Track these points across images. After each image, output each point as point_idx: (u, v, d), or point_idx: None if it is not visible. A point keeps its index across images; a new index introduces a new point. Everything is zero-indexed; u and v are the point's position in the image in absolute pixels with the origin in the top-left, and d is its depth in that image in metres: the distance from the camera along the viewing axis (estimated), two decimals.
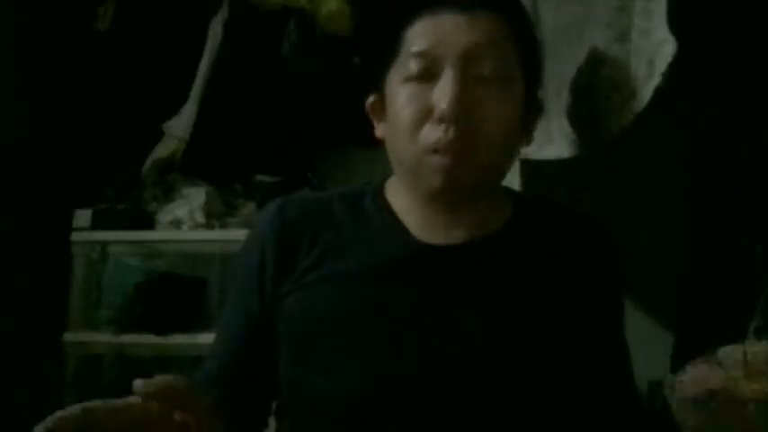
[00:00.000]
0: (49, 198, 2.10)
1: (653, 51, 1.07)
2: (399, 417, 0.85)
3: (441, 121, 0.84)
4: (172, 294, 2.06)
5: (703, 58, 1.18)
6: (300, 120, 2.26)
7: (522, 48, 0.90)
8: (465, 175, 0.86)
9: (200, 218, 2.12)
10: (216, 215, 2.15)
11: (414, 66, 0.87)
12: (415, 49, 0.88)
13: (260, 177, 2.25)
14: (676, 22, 1.03)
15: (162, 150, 2.21)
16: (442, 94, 0.85)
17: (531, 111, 0.94)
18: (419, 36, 0.88)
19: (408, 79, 0.88)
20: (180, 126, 2.19)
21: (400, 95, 0.88)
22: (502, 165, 0.92)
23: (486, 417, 0.85)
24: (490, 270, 0.91)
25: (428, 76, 0.87)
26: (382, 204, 0.96)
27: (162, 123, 2.21)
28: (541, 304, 0.90)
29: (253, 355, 0.94)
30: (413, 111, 0.87)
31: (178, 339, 2.00)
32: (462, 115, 0.84)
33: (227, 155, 2.25)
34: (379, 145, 0.95)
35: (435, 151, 0.85)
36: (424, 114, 0.86)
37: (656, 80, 1.05)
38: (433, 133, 0.85)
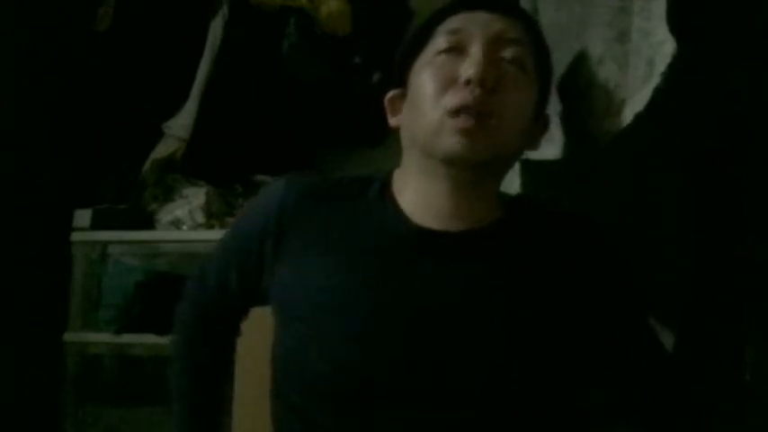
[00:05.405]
0: (49, 198, 2.10)
1: (652, 51, 1.07)
2: (388, 397, 0.86)
3: (467, 82, 0.89)
4: (172, 294, 2.05)
5: (704, 57, 1.18)
6: (300, 120, 2.26)
7: (538, 60, 0.97)
8: (483, 141, 0.89)
9: (200, 218, 2.11)
10: (216, 215, 2.14)
11: (445, 41, 0.93)
12: (448, 27, 0.94)
13: (260, 177, 2.24)
14: (676, 22, 1.03)
15: (162, 150, 2.21)
16: (471, 62, 0.90)
17: (540, 119, 0.99)
18: (451, 23, 0.95)
19: (438, 53, 0.93)
20: (180, 126, 2.19)
21: (426, 70, 0.93)
22: (512, 149, 0.96)
23: (477, 400, 0.87)
24: (487, 257, 0.93)
25: (456, 51, 0.92)
26: (386, 190, 0.98)
27: (162, 123, 2.21)
28: (534, 293, 0.92)
29: (237, 298, 1.05)
30: (439, 77, 0.92)
31: None
32: (487, 82, 0.89)
33: (227, 155, 2.25)
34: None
35: (458, 113, 0.89)
36: (450, 82, 0.91)
37: (655, 80, 1.05)
38: (457, 95, 0.90)
